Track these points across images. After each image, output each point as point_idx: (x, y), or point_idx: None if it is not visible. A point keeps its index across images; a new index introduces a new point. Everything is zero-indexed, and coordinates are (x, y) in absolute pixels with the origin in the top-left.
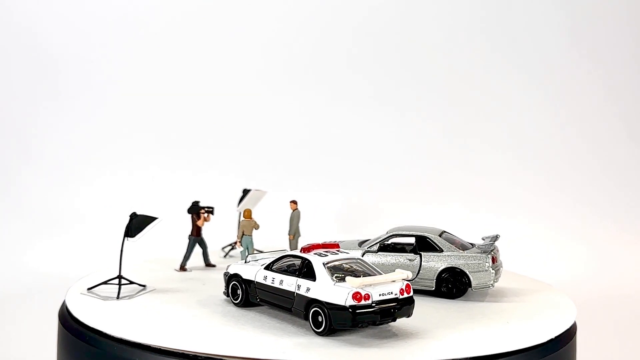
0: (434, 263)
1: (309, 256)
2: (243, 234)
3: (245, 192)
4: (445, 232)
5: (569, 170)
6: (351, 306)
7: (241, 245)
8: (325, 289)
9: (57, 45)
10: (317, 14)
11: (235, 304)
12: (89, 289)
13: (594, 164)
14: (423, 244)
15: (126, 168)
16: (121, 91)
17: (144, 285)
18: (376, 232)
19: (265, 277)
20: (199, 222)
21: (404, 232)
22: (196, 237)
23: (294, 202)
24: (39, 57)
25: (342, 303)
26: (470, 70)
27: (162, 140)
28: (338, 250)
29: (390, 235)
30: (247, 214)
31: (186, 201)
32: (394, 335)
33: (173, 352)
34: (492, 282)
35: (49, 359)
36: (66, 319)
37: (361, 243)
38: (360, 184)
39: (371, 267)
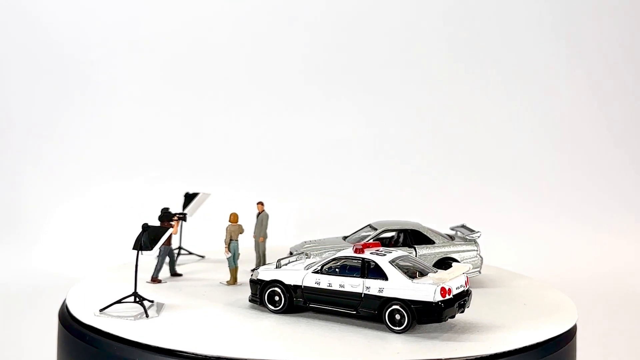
0: (429, 255)
1: (371, 256)
2: (231, 239)
3: (188, 196)
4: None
5: (566, 167)
6: (439, 301)
7: (229, 251)
8: (405, 287)
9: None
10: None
11: (273, 311)
12: (102, 310)
13: (592, 160)
14: (414, 237)
15: (124, 169)
16: (119, 96)
17: (152, 301)
18: (342, 230)
19: (318, 282)
20: (172, 230)
21: (396, 227)
22: (167, 245)
23: (260, 203)
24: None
25: (430, 299)
26: (445, 71)
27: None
28: (386, 249)
29: (383, 230)
30: (234, 218)
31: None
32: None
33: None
34: (480, 269)
35: (49, 359)
36: (66, 319)
37: (344, 238)
38: (320, 186)
39: (419, 261)
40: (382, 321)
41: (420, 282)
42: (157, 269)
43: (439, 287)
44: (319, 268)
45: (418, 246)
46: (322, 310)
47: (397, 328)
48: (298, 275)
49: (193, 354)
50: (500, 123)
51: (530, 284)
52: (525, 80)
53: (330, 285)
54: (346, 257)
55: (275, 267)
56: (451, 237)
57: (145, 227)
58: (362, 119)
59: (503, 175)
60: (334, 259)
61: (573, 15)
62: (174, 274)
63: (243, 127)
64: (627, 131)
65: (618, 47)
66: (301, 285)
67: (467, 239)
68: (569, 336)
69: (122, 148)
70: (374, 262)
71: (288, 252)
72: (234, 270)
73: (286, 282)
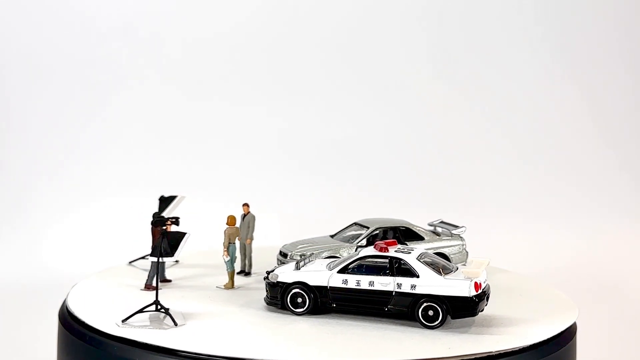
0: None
1: (398, 254)
2: (229, 242)
3: (164, 199)
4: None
5: (564, 162)
6: (474, 296)
7: (228, 254)
8: (438, 283)
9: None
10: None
11: (297, 313)
12: (124, 320)
13: (581, 158)
14: (404, 234)
15: (125, 170)
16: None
17: (167, 308)
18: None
19: (345, 281)
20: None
21: (387, 225)
22: None
23: (246, 205)
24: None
25: (465, 294)
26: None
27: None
28: (407, 246)
29: (376, 228)
30: (232, 220)
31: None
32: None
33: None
34: (465, 263)
35: (49, 359)
36: (66, 319)
37: (332, 236)
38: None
39: (437, 257)
40: (414, 318)
41: (452, 277)
42: (151, 275)
43: (473, 282)
44: (343, 268)
45: (409, 242)
46: (349, 310)
47: (431, 324)
48: (323, 275)
49: None
50: (491, 122)
51: (527, 281)
52: (516, 81)
53: (358, 284)
54: (372, 256)
55: (294, 268)
56: (436, 233)
57: (164, 233)
58: (355, 120)
59: (491, 175)
60: (359, 258)
61: (561, 16)
62: (163, 279)
63: (228, 128)
64: (620, 131)
65: (608, 47)
66: (327, 286)
67: (453, 234)
68: (569, 336)
69: (125, 149)
70: (402, 260)
71: (278, 252)
72: (232, 273)
73: (311, 283)
